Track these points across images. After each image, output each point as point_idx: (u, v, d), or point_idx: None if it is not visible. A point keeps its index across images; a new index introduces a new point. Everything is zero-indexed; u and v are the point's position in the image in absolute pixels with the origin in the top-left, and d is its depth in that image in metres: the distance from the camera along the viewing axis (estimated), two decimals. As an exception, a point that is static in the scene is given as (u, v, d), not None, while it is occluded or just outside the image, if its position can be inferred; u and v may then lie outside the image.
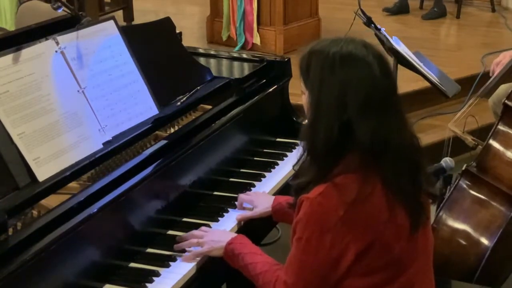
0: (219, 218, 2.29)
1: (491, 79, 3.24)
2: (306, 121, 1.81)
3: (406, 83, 4.30)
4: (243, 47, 5.36)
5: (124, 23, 5.80)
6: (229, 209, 2.34)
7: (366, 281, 1.78)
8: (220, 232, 2.15)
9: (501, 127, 2.88)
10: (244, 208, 2.34)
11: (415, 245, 1.82)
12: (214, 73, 2.76)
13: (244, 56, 3.17)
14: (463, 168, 2.86)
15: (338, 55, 1.72)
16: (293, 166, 1.95)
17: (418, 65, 3.45)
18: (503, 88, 3.41)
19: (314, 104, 1.74)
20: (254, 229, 2.33)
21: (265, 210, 2.28)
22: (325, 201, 1.71)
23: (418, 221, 1.79)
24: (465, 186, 2.84)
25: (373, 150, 1.71)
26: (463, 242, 2.72)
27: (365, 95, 1.69)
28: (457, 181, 2.85)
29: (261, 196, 2.37)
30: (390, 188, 1.73)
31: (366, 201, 1.72)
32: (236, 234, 2.09)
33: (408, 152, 1.76)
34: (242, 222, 2.30)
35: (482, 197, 2.80)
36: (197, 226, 2.19)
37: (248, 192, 2.41)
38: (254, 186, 2.50)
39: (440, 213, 2.76)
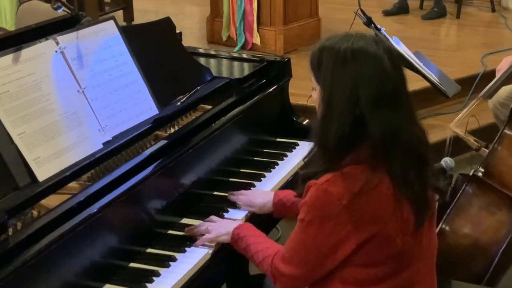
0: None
1: (493, 81, 3.24)
2: (318, 116, 1.81)
3: (406, 83, 4.29)
4: (243, 47, 5.36)
5: (124, 23, 5.80)
6: (229, 209, 2.35)
7: (366, 272, 1.79)
8: (228, 221, 2.20)
9: (507, 132, 2.84)
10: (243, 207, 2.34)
11: (420, 242, 1.83)
12: (214, 73, 2.76)
13: (244, 56, 3.16)
14: (470, 174, 2.83)
15: (350, 50, 1.73)
16: (303, 159, 1.97)
17: (418, 65, 3.44)
18: (504, 90, 3.42)
19: (327, 99, 1.76)
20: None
21: (264, 206, 2.30)
22: (331, 189, 1.73)
23: (423, 216, 1.80)
24: (472, 192, 2.80)
25: (384, 142, 1.72)
26: (471, 249, 2.68)
27: (377, 89, 1.71)
28: (463, 186, 2.81)
29: (258, 192, 2.41)
30: (397, 182, 1.74)
31: (372, 192, 1.72)
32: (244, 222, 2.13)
33: (416, 146, 1.78)
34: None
35: (489, 203, 2.77)
36: (197, 226, 2.19)
37: (242, 191, 2.39)
38: (254, 186, 2.50)
39: (447, 219, 2.74)
